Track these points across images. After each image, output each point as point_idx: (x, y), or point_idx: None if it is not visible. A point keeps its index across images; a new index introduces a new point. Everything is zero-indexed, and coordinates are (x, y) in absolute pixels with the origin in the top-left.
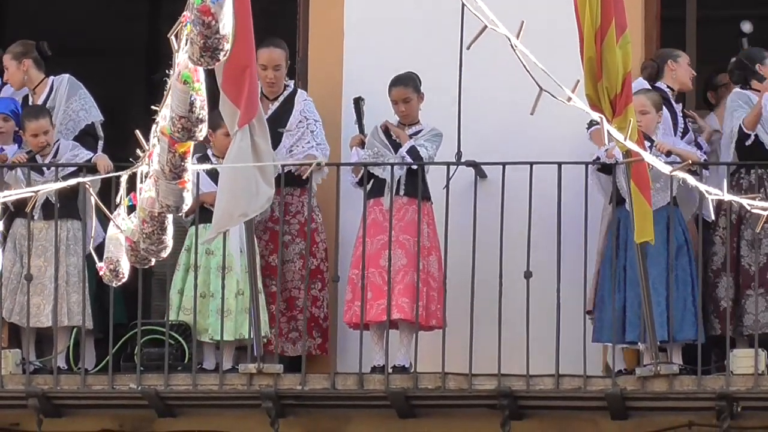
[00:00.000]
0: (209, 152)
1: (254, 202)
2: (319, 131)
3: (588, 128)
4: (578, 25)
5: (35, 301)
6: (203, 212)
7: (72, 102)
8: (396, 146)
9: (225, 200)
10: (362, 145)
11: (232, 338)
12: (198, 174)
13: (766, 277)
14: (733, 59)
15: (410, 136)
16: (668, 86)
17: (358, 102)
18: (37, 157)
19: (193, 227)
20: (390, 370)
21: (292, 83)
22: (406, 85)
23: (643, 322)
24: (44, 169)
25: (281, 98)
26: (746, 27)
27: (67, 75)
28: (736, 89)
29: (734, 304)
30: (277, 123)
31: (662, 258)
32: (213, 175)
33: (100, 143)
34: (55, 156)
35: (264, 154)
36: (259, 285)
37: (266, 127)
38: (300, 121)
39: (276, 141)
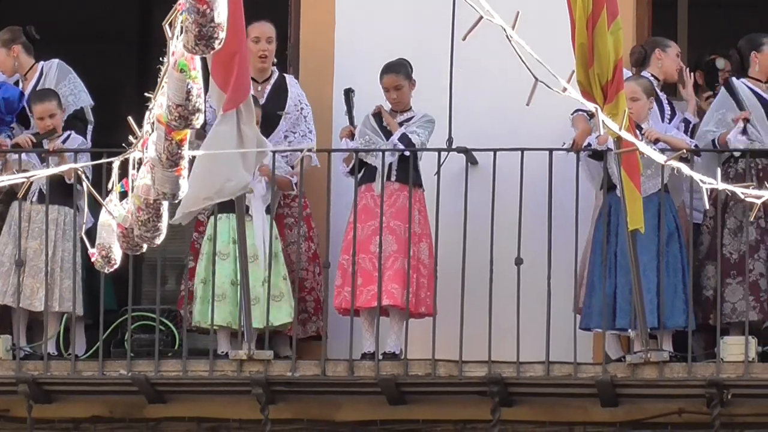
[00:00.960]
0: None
1: (226, 188)
2: (310, 117)
3: (572, 114)
4: (570, 11)
5: (29, 283)
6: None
7: (61, 87)
8: (387, 133)
9: (194, 182)
10: (352, 136)
11: (260, 326)
12: (273, 164)
13: (745, 265)
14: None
15: (401, 123)
16: (653, 75)
17: (348, 93)
18: (44, 141)
19: (213, 216)
20: (380, 357)
21: (276, 70)
22: (398, 73)
23: (633, 308)
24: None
25: (272, 81)
26: (720, 63)
27: (56, 60)
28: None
29: (715, 292)
30: (274, 106)
31: (653, 245)
32: None
33: (90, 127)
34: (64, 142)
35: (250, 140)
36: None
37: (254, 114)
38: (296, 105)
39: (274, 124)
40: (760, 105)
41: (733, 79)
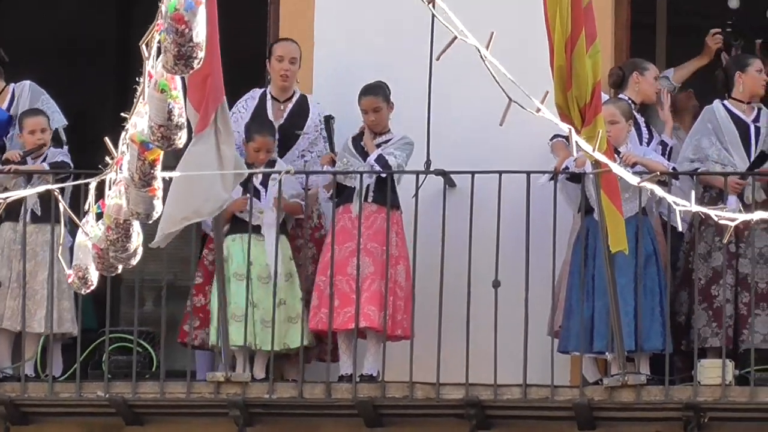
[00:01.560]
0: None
1: (204, 208)
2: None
3: (550, 140)
4: (548, 34)
5: (26, 305)
6: (235, 222)
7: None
8: (366, 156)
9: (172, 203)
10: (333, 163)
11: (277, 348)
12: (251, 184)
13: (710, 291)
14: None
15: (379, 145)
16: (630, 98)
17: (328, 120)
18: (28, 159)
19: (228, 237)
20: (357, 379)
21: (298, 90)
22: (376, 95)
23: (611, 331)
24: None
25: (293, 101)
26: (733, 3)
27: (27, 82)
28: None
29: (686, 317)
30: (294, 125)
31: (630, 267)
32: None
33: (65, 147)
34: (44, 161)
35: (228, 160)
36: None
37: (232, 134)
38: (315, 125)
39: (292, 142)
40: (736, 129)
41: (715, 103)
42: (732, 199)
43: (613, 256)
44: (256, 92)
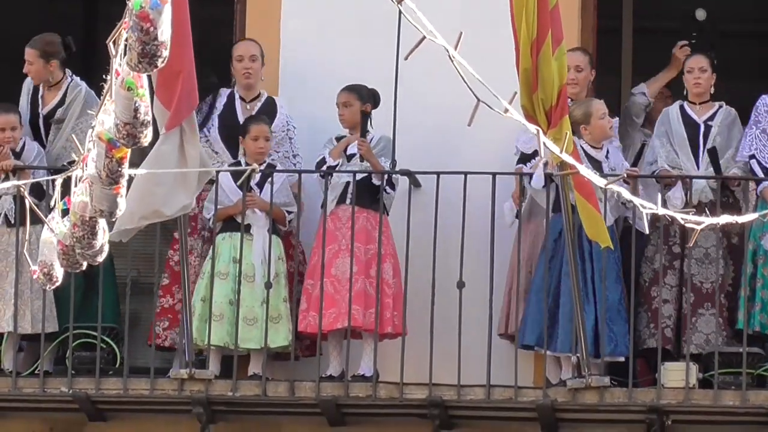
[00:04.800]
0: (241, 159)
1: (163, 209)
2: (295, 139)
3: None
4: (514, 36)
5: None
6: (227, 220)
7: (82, 121)
8: (349, 156)
9: (131, 201)
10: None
11: (257, 347)
12: (217, 183)
13: (650, 293)
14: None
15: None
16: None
17: (364, 114)
18: None
19: (219, 235)
20: (349, 378)
21: (265, 92)
22: (351, 91)
23: (574, 333)
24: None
25: (261, 101)
26: (700, 14)
27: (84, 86)
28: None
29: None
30: None
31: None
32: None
33: None
34: (20, 154)
35: (193, 160)
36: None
37: (197, 134)
38: (283, 125)
39: None
40: (684, 130)
41: (673, 105)
42: (677, 195)
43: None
44: (224, 91)
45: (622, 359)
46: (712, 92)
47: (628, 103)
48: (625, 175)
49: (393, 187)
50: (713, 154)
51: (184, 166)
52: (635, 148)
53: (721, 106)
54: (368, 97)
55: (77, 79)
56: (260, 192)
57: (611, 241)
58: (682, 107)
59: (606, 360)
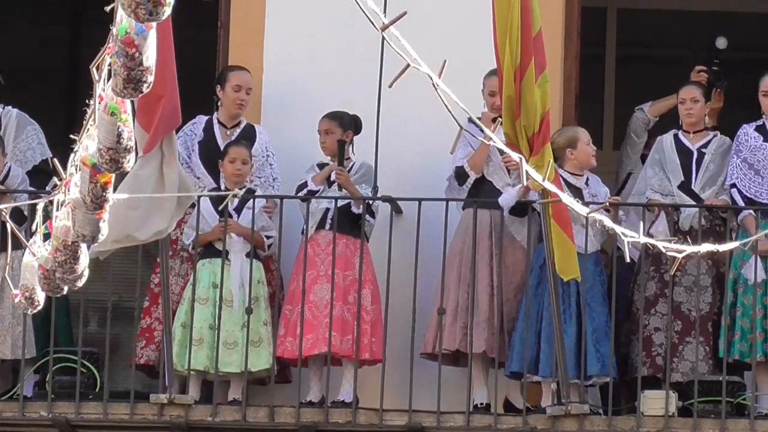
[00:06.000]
0: (222, 185)
1: (138, 233)
2: (276, 166)
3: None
4: (498, 63)
5: None
6: (207, 246)
7: (19, 141)
8: (331, 183)
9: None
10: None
11: (238, 370)
12: (198, 208)
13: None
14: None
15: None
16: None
17: (342, 144)
18: None
19: (199, 262)
20: (329, 404)
21: (245, 120)
22: (332, 118)
23: (555, 359)
24: None
25: (240, 128)
26: (721, 43)
27: (15, 110)
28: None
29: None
30: None
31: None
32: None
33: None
34: (3, 180)
35: (171, 184)
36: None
37: (176, 158)
38: (262, 150)
39: None
40: (678, 157)
41: (668, 133)
42: (662, 225)
43: (559, 284)
44: (202, 118)
45: (609, 380)
46: (707, 122)
47: (630, 121)
48: (608, 204)
49: (373, 215)
50: (686, 190)
51: (162, 191)
52: (621, 176)
53: (715, 135)
54: (350, 125)
55: (8, 107)
56: (238, 217)
57: (600, 265)
58: (676, 136)
59: (595, 381)
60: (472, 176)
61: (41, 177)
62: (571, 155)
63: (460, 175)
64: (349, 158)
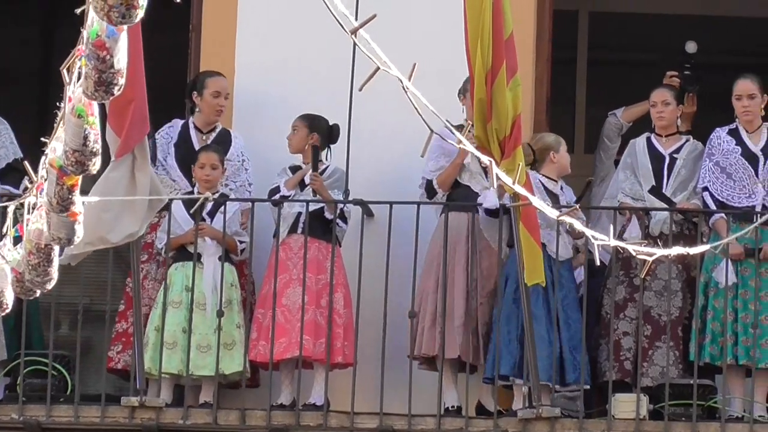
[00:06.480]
0: (196, 189)
1: (109, 236)
2: (251, 171)
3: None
4: (469, 66)
5: None
6: (180, 250)
7: None
8: (303, 186)
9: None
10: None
11: (212, 374)
12: (170, 211)
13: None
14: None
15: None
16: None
17: (315, 149)
18: None
19: (172, 266)
20: (300, 407)
21: (220, 124)
22: (303, 118)
23: (526, 363)
24: None
25: (216, 131)
26: (690, 47)
27: None
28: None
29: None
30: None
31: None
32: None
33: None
34: None
35: (143, 187)
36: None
37: (149, 162)
38: (238, 155)
39: None
40: (650, 162)
41: (640, 137)
42: (635, 230)
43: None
44: (178, 122)
45: (588, 387)
46: (679, 125)
47: (603, 126)
48: (578, 207)
49: (345, 220)
50: (657, 193)
51: (134, 194)
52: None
53: (688, 140)
54: (323, 130)
55: None
56: (211, 221)
57: (570, 271)
58: (649, 139)
59: (571, 389)
60: (440, 194)
61: (14, 175)
62: (554, 158)
63: (429, 189)
64: (322, 161)
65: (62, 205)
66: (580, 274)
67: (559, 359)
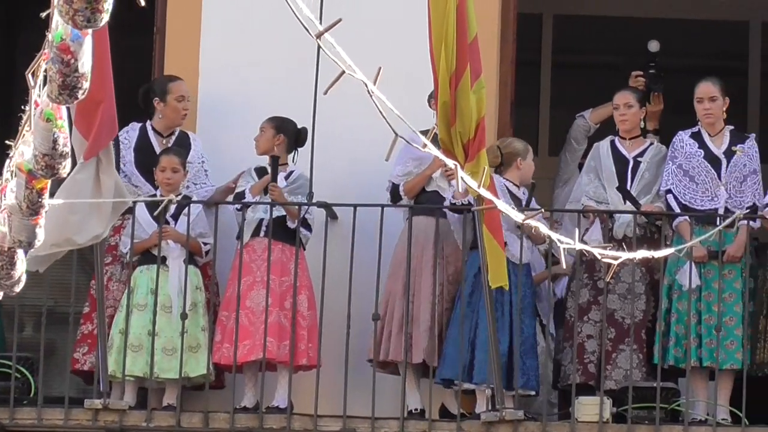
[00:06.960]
0: (158, 192)
1: (76, 237)
2: (210, 171)
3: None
4: (433, 69)
5: None
6: (144, 253)
7: None
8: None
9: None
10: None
11: (177, 377)
12: (134, 215)
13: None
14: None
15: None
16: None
17: (275, 159)
18: None
19: (137, 269)
20: (264, 410)
21: (179, 128)
22: (270, 120)
23: (490, 366)
24: None
25: (175, 134)
26: (653, 46)
27: None
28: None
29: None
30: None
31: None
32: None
33: None
34: None
35: (108, 189)
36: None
37: (113, 164)
38: (198, 158)
39: None
40: (613, 165)
41: (604, 140)
42: (596, 233)
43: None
44: (135, 125)
45: (533, 393)
46: (643, 126)
47: (570, 127)
48: (543, 210)
49: (309, 228)
50: (624, 191)
51: (99, 196)
52: (558, 183)
53: (651, 143)
54: (291, 133)
55: None
56: (175, 224)
57: (531, 276)
58: (613, 142)
59: (519, 393)
60: (405, 200)
61: None
62: (520, 165)
63: (394, 194)
64: (286, 163)
65: (32, 208)
66: (563, 287)
67: (508, 363)
